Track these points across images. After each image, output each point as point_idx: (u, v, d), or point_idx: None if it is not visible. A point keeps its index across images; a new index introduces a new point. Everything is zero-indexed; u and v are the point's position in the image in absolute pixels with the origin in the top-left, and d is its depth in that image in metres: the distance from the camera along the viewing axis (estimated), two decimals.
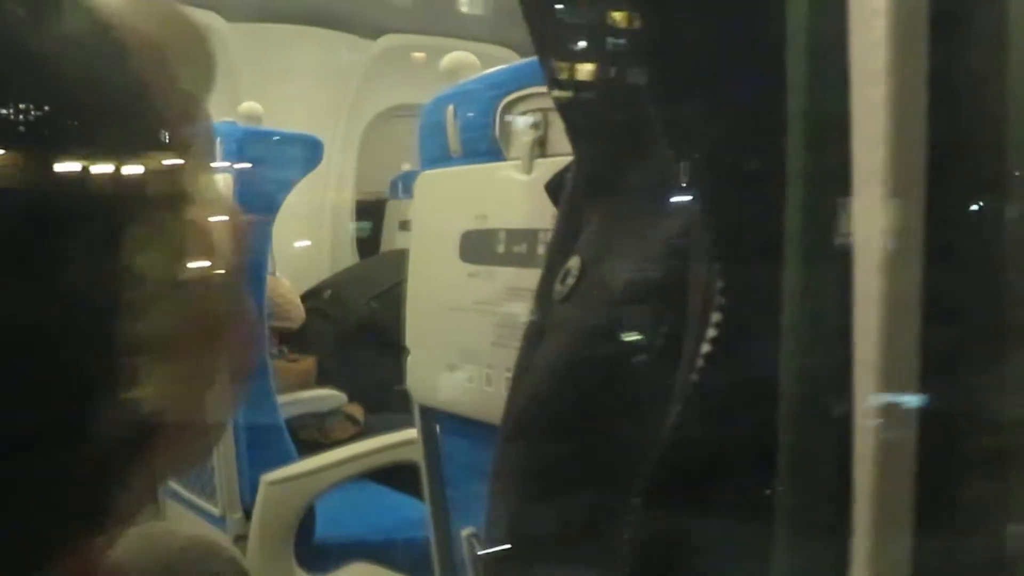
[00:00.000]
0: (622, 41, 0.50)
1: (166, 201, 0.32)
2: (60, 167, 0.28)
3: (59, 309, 0.28)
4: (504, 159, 1.19)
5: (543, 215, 0.87)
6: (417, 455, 1.39)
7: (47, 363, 0.28)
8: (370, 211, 4.00)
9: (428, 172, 1.34)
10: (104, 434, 0.30)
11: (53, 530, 0.30)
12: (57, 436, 0.29)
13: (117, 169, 0.30)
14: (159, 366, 0.31)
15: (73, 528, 0.31)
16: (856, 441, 0.36)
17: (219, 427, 0.42)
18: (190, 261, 0.33)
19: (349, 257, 3.88)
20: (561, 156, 0.96)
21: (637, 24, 0.49)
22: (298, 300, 2.77)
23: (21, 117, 0.27)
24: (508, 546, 0.63)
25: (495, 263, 1.18)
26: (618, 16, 0.49)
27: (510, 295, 1.14)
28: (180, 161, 0.33)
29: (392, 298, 2.52)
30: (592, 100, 0.59)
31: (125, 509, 0.33)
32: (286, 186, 2.12)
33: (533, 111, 1.14)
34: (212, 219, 0.35)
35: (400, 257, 1.45)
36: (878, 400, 0.35)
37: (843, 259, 0.38)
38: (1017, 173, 0.40)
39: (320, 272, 3.53)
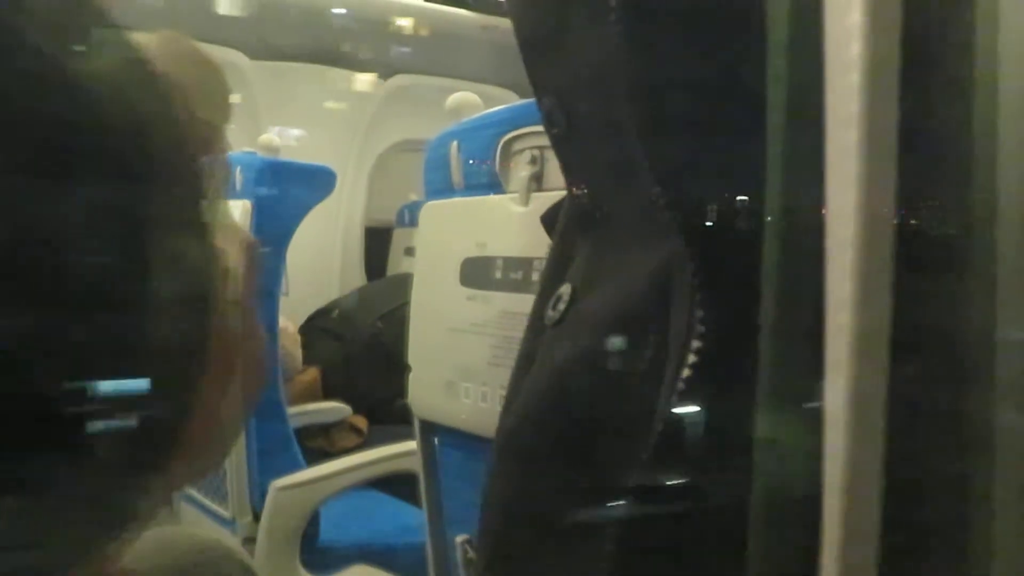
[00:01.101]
0: (610, 82, 0.50)
1: (189, 226, 0.32)
2: (94, 192, 0.28)
3: (79, 325, 0.28)
4: (503, 192, 1.20)
5: (538, 245, 0.87)
6: (416, 465, 1.39)
7: (66, 380, 0.28)
8: (378, 237, 4.00)
9: (432, 202, 1.34)
10: (122, 446, 0.30)
11: (69, 535, 0.30)
12: (75, 447, 0.28)
13: (148, 194, 0.30)
14: (175, 383, 0.31)
15: (88, 534, 0.31)
16: (825, 462, 0.36)
17: (230, 439, 0.41)
18: (208, 284, 0.33)
19: (358, 279, 3.87)
20: (556, 191, 0.96)
21: (625, 66, 0.49)
22: (298, 353, 2.72)
23: (63, 143, 0.27)
24: (498, 554, 0.62)
25: (492, 288, 1.18)
26: (606, 58, 0.49)
27: (506, 318, 1.13)
28: (202, 189, 0.33)
29: (396, 318, 2.51)
30: (582, 138, 0.59)
31: (139, 516, 0.33)
32: (300, 212, 2.12)
33: (531, 148, 1.15)
34: (227, 245, 0.34)
35: (405, 280, 1.44)
36: (848, 425, 0.35)
37: (817, 290, 0.38)
38: (983, 212, 0.40)
39: (330, 293, 3.53)
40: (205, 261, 0.32)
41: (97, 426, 0.28)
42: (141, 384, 0.30)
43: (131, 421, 0.30)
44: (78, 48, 0.28)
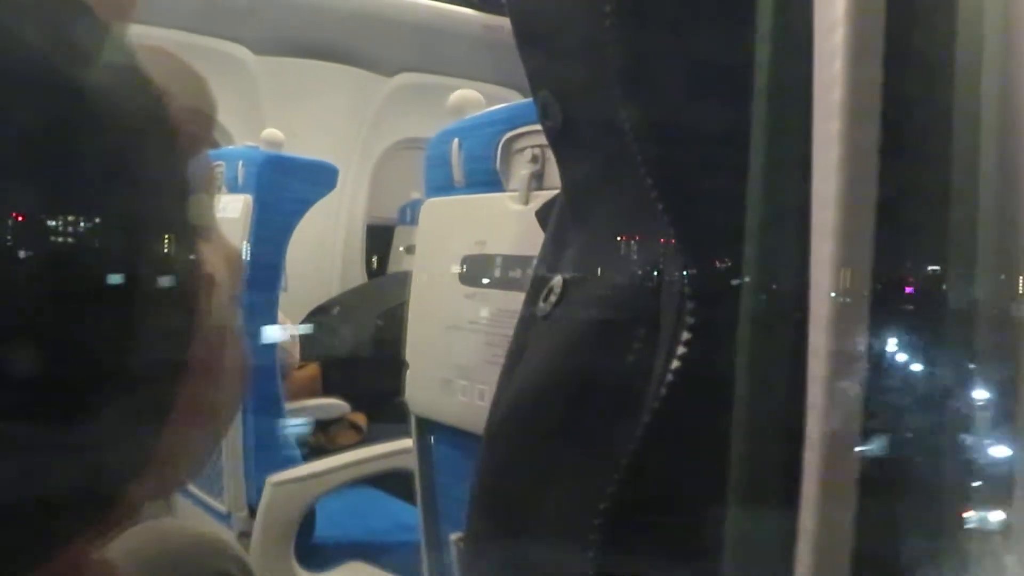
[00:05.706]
0: (605, 77, 0.50)
1: (172, 232, 0.32)
2: (84, 191, 0.28)
3: (57, 323, 0.28)
4: (504, 190, 1.20)
5: (537, 244, 0.87)
6: (412, 463, 1.39)
7: (51, 386, 0.28)
8: (380, 235, 4.00)
9: (432, 200, 1.34)
10: (102, 447, 0.30)
11: (47, 526, 0.30)
12: (42, 438, 0.29)
13: (136, 196, 0.30)
14: (150, 386, 0.31)
15: (65, 527, 0.31)
16: (806, 448, 0.36)
17: (208, 448, 0.41)
18: (189, 290, 0.33)
19: (359, 277, 3.87)
20: (556, 189, 0.96)
21: (620, 61, 0.49)
22: (295, 351, 2.72)
23: (56, 141, 0.27)
24: (487, 545, 0.63)
25: (491, 286, 1.18)
26: (601, 52, 0.49)
27: (504, 316, 1.13)
28: (193, 196, 0.33)
29: (397, 316, 2.51)
30: (577, 131, 0.60)
31: (113, 513, 0.33)
32: (302, 208, 2.12)
33: (532, 147, 1.15)
34: (210, 253, 0.35)
35: (405, 278, 1.45)
36: (828, 415, 0.35)
37: (802, 283, 0.38)
38: (965, 199, 0.41)
39: (331, 289, 3.53)
40: (187, 267, 0.32)
41: (63, 420, 0.29)
42: (115, 385, 0.30)
43: (99, 420, 0.30)
44: (74, 51, 0.29)
